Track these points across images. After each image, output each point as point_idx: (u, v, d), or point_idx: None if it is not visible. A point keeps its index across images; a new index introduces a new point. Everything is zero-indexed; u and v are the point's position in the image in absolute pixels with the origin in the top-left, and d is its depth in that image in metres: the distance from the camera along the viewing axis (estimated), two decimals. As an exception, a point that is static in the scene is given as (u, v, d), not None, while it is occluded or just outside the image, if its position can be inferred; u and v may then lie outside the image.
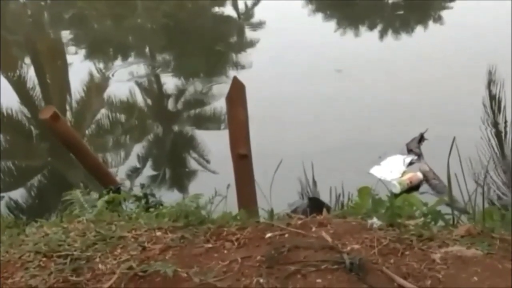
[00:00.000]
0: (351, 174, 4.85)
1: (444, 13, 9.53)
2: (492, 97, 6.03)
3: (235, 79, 3.39)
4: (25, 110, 7.58)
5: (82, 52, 9.47)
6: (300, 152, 5.30)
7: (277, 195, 3.79)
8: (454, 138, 2.88)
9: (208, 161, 6.06)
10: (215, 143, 6.12)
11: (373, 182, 3.79)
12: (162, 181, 5.85)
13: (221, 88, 7.44)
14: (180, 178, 6.01)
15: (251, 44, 9.14)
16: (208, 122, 7.17)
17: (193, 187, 5.41)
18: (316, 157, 5.21)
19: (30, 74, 8.46)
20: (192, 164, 6.18)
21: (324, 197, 4.63)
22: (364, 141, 5.44)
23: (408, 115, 5.88)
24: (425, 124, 5.51)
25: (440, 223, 2.71)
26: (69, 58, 9.27)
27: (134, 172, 6.04)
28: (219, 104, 7.01)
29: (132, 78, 8.01)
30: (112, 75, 8.21)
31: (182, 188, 5.72)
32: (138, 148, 6.58)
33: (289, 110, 6.34)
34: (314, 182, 5.05)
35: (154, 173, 6.05)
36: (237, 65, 8.35)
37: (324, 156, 5.30)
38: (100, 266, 2.40)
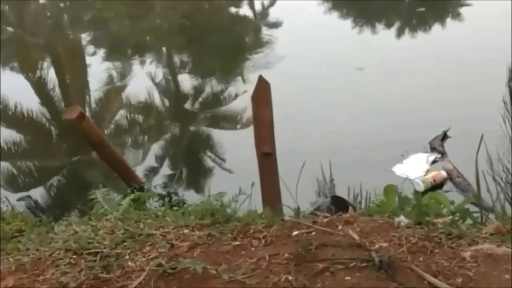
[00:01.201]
0: (371, 172, 4.83)
1: (462, 10, 9.46)
2: (512, 94, 5.99)
3: (260, 78, 3.39)
4: (45, 111, 7.65)
5: (101, 53, 9.53)
6: (318, 151, 5.29)
7: (294, 193, 3.79)
8: (482, 136, 2.86)
9: (224, 160, 6.08)
10: (232, 142, 6.13)
11: (393, 180, 3.76)
12: (179, 180, 5.87)
13: (238, 88, 7.46)
14: (197, 177, 6.03)
15: (268, 43, 9.14)
16: (224, 121, 7.18)
17: (211, 186, 5.42)
18: (335, 156, 5.19)
19: (50, 76, 8.53)
20: (209, 163, 6.19)
21: (342, 196, 4.60)
22: (385, 139, 5.41)
23: (429, 113, 5.84)
24: (447, 122, 5.47)
25: (468, 221, 2.69)
26: (88, 59, 9.34)
27: (152, 172, 6.07)
28: (236, 104, 7.03)
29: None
30: None
31: (199, 187, 5.74)
32: (156, 148, 6.61)
33: (308, 108, 6.33)
34: (332, 181, 5.03)
35: (171, 172, 6.07)
36: (255, 65, 8.34)
37: (343, 155, 5.28)
38: (129, 263, 2.42)
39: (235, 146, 5.92)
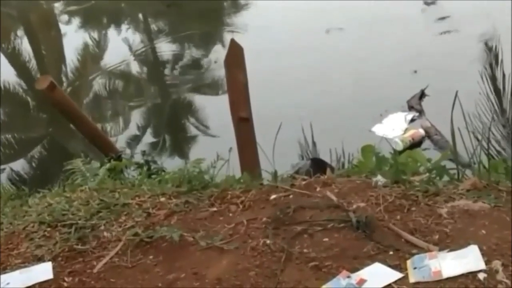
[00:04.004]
0: (352, 134, 4.81)
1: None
2: (489, 51, 5.97)
3: (232, 42, 3.33)
4: (22, 83, 7.52)
5: (76, 21, 9.33)
6: (298, 114, 5.25)
7: (277, 157, 3.77)
8: (456, 92, 2.84)
9: (207, 127, 6.03)
10: (213, 108, 6.07)
11: (374, 141, 3.75)
12: (163, 148, 5.83)
13: (218, 53, 7.36)
14: (180, 144, 5.99)
15: (245, 6, 9.00)
16: (205, 87, 7.10)
17: (194, 153, 5.38)
18: (315, 118, 5.16)
19: (25, 46, 8.36)
20: (192, 130, 6.14)
21: (325, 158, 4.59)
22: (363, 99, 5.37)
23: (407, 72, 5.81)
24: (425, 80, 5.45)
25: (445, 178, 2.70)
26: (63, 28, 9.15)
27: (134, 140, 6.01)
28: (217, 69, 6.94)
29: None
30: None
31: (183, 154, 5.70)
32: (137, 117, 6.53)
33: (286, 71, 6.25)
34: (314, 144, 5.02)
35: (154, 140, 6.01)
36: (232, 29, 8.22)
37: (323, 117, 5.25)
38: (105, 233, 2.41)
39: (217, 111, 5.85)
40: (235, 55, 3.29)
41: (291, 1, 7.93)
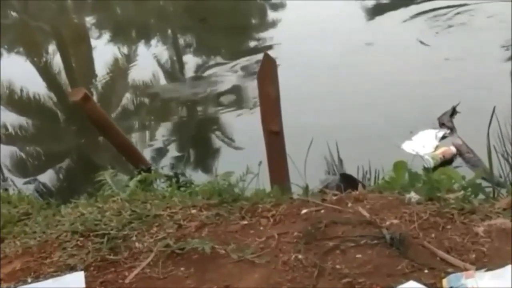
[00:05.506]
0: (380, 150, 4.78)
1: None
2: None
3: (266, 55, 3.34)
4: (52, 95, 7.63)
5: (106, 35, 9.48)
6: (326, 128, 5.24)
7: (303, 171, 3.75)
8: (494, 108, 2.80)
9: (232, 140, 6.05)
10: (240, 122, 6.09)
11: (402, 157, 3.70)
12: (190, 161, 5.86)
13: (245, 67, 7.39)
14: (207, 158, 6.00)
15: (273, 24, 9.04)
16: (234, 101, 7.12)
17: (221, 166, 5.37)
18: (343, 135, 5.14)
19: (56, 60, 8.50)
20: (219, 143, 6.15)
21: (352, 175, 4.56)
22: (393, 116, 5.34)
23: (439, 89, 5.76)
24: (456, 98, 5.40)
25: (480, 196, 2.65)
26: (93, 42, 9.29)
27: (160, 154, 6.05)
28: (242, 83, 6.97)
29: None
30: None
31: (210, 168, 5.71)
32: (163, 130, 6.58)
33: (314, 87, 6.26)
34: (340, 160, 4.99)
35: (179, 154, 6.04)
36: (260, 45, 8.25)
37: (351, 133, 5.23)
38: (137, 244, 2.41)
39: (245, 125, 5.88)
40: (268, 68, 3.30)
41: (321, 18, 7.97)
